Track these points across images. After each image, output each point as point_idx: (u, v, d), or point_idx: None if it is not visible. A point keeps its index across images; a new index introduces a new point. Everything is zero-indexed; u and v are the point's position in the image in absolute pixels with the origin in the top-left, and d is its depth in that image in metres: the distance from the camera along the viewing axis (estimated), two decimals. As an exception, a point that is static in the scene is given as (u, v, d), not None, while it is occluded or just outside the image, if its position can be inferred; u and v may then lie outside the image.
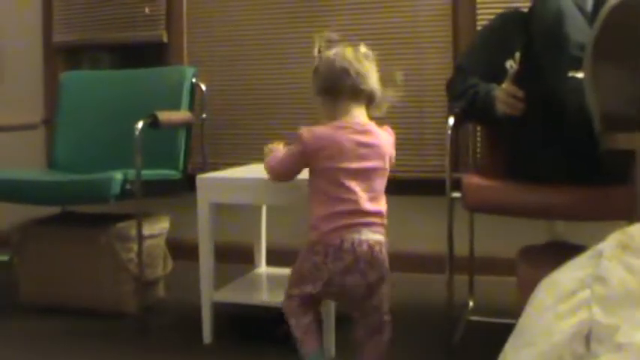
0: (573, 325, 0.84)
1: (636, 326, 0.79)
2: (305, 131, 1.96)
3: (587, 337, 0.82)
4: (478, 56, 2.47)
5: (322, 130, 1.97)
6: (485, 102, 2.21)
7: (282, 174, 2.11)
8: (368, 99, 2.00)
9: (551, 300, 0.90)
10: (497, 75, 2.31)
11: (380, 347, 1.96)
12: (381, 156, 1.97)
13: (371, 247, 1.88)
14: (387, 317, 1.96)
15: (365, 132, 1.96)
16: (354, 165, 1.92)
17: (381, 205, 1.96)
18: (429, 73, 3.31)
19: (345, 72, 1.96)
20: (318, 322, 2.02)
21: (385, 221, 1.96)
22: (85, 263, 2.74)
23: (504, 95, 2.04)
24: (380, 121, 2.03)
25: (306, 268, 1.95)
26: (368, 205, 1.91)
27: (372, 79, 1.99)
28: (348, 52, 2.00)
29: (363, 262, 1.87)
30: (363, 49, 2.02)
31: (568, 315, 0.86)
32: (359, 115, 1.99)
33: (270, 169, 2.13)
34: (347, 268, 1.87)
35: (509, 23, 2.50)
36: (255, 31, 3.54)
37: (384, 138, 2.01)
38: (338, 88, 1.97)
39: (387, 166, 2.01)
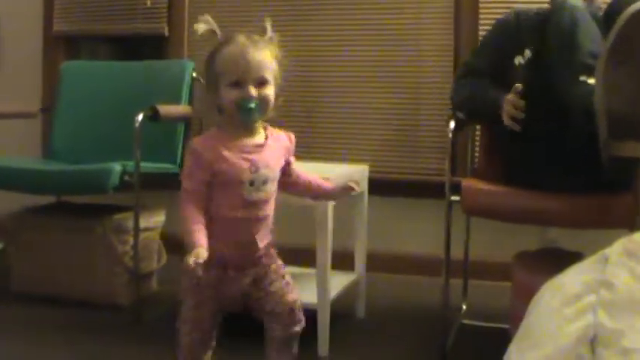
0: (579, 328, 0.84)
1: (642, 332, 0.80)
2: None
3: (593, 341, 0.83)
4: (488, 55, 2.41)
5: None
6: (490, 111, 2.18)
7: None
8: None
9: (556, 303, 0.91)
10: (506, 73, 2.27)
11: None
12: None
13: None
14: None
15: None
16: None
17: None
18: (427, 75, 3.31)
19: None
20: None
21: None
22: (80, 254, 2.73)
23: (509, 107, 2.04)
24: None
25: None
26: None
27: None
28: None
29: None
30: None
31: (574, 318, 0.86)
32: None
33: None
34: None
35: (525, 19, 2.46)
36: (257, 27, 3.53)
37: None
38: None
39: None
